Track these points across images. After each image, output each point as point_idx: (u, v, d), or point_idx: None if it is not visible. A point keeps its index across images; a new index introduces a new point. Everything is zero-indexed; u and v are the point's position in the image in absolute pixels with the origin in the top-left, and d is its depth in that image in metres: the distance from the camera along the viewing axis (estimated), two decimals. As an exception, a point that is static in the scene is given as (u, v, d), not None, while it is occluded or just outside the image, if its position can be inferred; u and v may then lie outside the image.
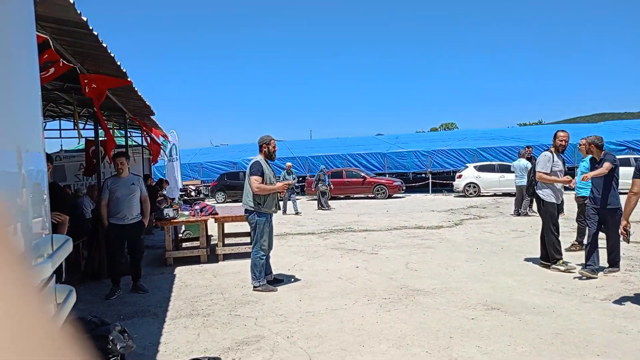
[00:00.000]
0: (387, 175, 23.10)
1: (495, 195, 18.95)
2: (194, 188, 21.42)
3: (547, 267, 6.09)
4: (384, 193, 19.90)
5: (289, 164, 15.52)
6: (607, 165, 5.44)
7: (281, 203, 14.52)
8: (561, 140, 6.09)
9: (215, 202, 20.73)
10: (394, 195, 20.37)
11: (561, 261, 5.97)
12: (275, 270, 6.06)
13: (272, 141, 5.74)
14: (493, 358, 3.44)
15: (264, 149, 5.69)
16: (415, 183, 23.65)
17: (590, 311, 4.41)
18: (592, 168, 5.75)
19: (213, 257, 7.37)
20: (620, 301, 4.68)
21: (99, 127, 6.83)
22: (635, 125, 24.25)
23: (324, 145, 28.35)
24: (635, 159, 17.16)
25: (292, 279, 6.02)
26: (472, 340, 3.79)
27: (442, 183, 22.50)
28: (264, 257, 5.61)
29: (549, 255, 6.06)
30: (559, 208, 6.24)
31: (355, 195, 20.56)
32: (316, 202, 16.56)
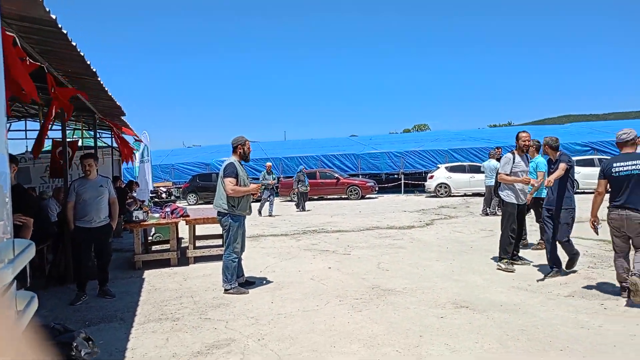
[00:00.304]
0: (361, 176, 23.28)
1: (465, 195, 19.30)
2: (164, 190, 21.11)
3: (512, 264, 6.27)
4: (357, 194, 20.04)
5: (269, 164, 15.45)
6: (562, 167, 5.51)
7: (259, 204, 14.46)
8: (523, 142, 6.23)
9: (187, 204, 20.48)
10: (367, 195, 20.54)
11: (505, 260, 6.13)
12: (247, 273, 6.02)
13: (247, 142, 5.71)
14: (461, 355, 3.50)
15: (239, 150, 5.65)
16: (388, 184, 23.92)
17: (554, 307, 4.54)
18: (549, 169, 5.85)
19: (184, 260, 7.28)
20: (583, 297, 4.83)
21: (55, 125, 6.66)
22: (600, 127, 25.11)
23: (298, 146, 28.36)
24: (600, 160, 17.83)
25: (264, 281, 6.00)
26: (441, 338, 3.85)
27: (414, 184, 22.79)
28: (237, 260, 5.57)
29: (499, 251, 6.25)
30: (521, 208, 6.36)
31: (328, 196, 20.62)
32: (291, 203, 16.55)
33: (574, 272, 5.80)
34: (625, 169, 4.65)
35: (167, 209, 7.60)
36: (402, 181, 22.75)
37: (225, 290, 5.47)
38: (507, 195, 6.25)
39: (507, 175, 6.16)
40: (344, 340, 3.87)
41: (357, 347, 3.73)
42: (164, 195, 19.29)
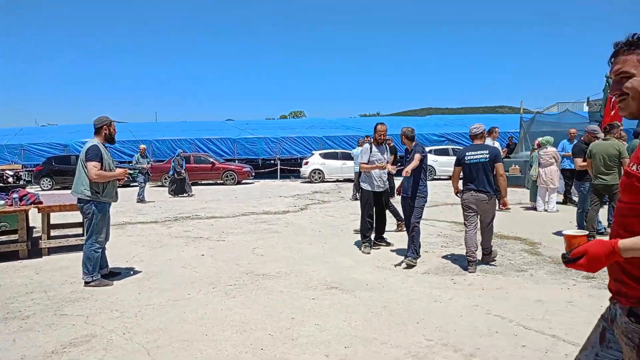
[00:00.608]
0: (237, 161, 22.98)
1: (337, 181, 20.16)
2: (12, 173, 18.60)
3: (379, 246, 6.72)
4: (233, 179, 19.77)
5: (142, 146, 14.43)
6: (417, 157, 5.86)
7: (138, 191, 13.41)
8: (379, 133, 6.55)
9: (40, 189, 18.38)
10: (244, 181, 20.39)
11: (364, 245, 6.58)
12: (111, 263, 5.61)
13: (112, 123, 5.30)
14: (330, 334, 3.67)
15: (104, 132, 5.19)
16: (264, 169, 23.99)
17: (412, 284, 4.98)
18: (406, 157, 6.20)
19: (35, 252, 6.52)
20: (436, 274, 5.37)
21: None
22: (454, 120, 27.96)
23: (171, 128, 26.96)
24: (453, 149, 19.88)
25: (131, 272, 5.64)
26: (312, 319, 4.00)
27: (290, 169, 23.18)
28: (100, 250, 5.15)
29: (360, 235, 6.75)
30: (379, 195, 6.68)
31: (203, 181, 20.04)
32: (162, 189, 15.70)
33: (426, 252, 6.39)
34: (475, 157, 5.49)
35: (15, 195, 6.71)
36: (279, 167, 22.99)
37: (86, 283, 5.04)
38: (363, 183, 6.67)
39: (364, 164, 6.52)
40: (216, 328, 3.82)
41: (230, 333, 3.71)
42: (10, 180, 17.01)
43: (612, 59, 1.55)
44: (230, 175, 19.81)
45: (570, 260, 1.47)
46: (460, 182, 5.71)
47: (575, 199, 10.04)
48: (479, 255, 5.62)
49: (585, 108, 17.91)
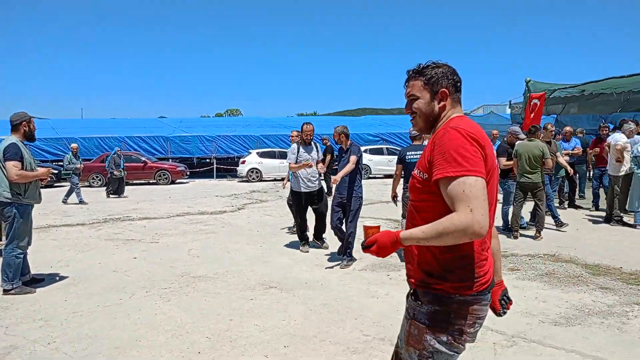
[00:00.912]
0: (171, 160, 22.26)
1: (275, 180, 20.06)
2: None
3: (317, 245, 6.77)
4: (166, 178, 19.14)
5: (74, 145, 13.48)
6: (353, 160, 5.85)
7: (73, 193, 12.57)
8: (305, 133, 6.46)
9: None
10: (178, 180, 19.80)
11: (302, 244, 6.64)
12: (34, 269, 5.25)
13: (32, 119, 4.96)
14: (269, 334, 3.66)
15: (23, 129, 4.84)
16: (199, 168, 23.41)
17: (350, 281, 5.07)
18: (341, 157, 6.19)
19: (-55, 259, 5.97)
20: (373, 271, 5.51)
21: None
22: (389, 120, 28.75)
23: (99, 125, 25.61)
24: (388, 149, 20.45)
25: (57, 277, 5.31)
26: (251, 319, 3.96)
27: (227, 168, 22.80)
28: (21, 256, 4.80)
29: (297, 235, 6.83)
30: (309, 195, 6.51)
31: (135, 181, 19.22)
32: (90, 189, 14.86)
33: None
34: (415, 156, 5.83)
35: None
36: (215, 166, 22.54)
37: (5, 291, 4.68)
38: (293, 184, 6.64)
39: (293, 164, 6.43)
40: (150, 333, 3.68)
41: (165, 338, 3.59)
42: None
43: (406, 83, 1.80)
44: (164, 175, 19.17)
45: (365, 247, 1.72)
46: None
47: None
48: None
49: (508, 110, 19.02)
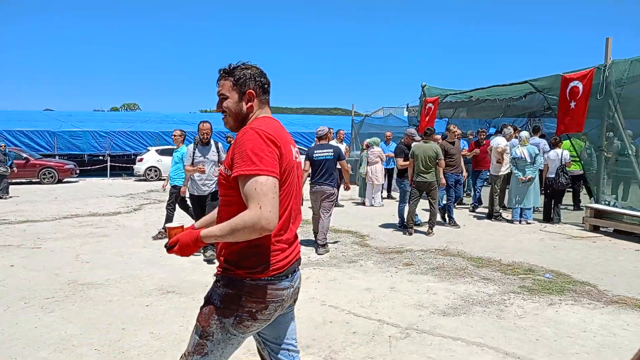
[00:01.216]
0: (58, 157, 20.39)
1: (176, 179, 19.29)
2: None
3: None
4: (52, 177, 17.51)
5: None
6: None
7: None
8: (202, 132, 6.22)
9: None
10: (66, 179, 18.19)
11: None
12: None
13: None
14: (166, 341, 3.50)
15: None
16: (91, 166, 21.72)
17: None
18: None
19: None
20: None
21: None
22: (294, 120, 28.89)
23: (-31, 117, 22.73)
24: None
25: None
26: (146, 327, 3.76)
27: (122, 166, 21.42)
28: None
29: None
30: (203, 199, 6.23)
31: (14, 180, 17.32)
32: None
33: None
34: (321, 155, 6.31)
35: None
36: (109, 164, 21.06)
37: None
38: (189, 187, 6.34)
39: (189, 167, 6.16)
40: (29, 349, 3.34)
41: (47, 352, 3.28)
42: None
43: (217, 82, 1.87)
44: (49, 173, 17.52)
45: (168, 248, 1.79)
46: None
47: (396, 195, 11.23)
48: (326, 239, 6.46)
49: (405, 113, 20.07)
